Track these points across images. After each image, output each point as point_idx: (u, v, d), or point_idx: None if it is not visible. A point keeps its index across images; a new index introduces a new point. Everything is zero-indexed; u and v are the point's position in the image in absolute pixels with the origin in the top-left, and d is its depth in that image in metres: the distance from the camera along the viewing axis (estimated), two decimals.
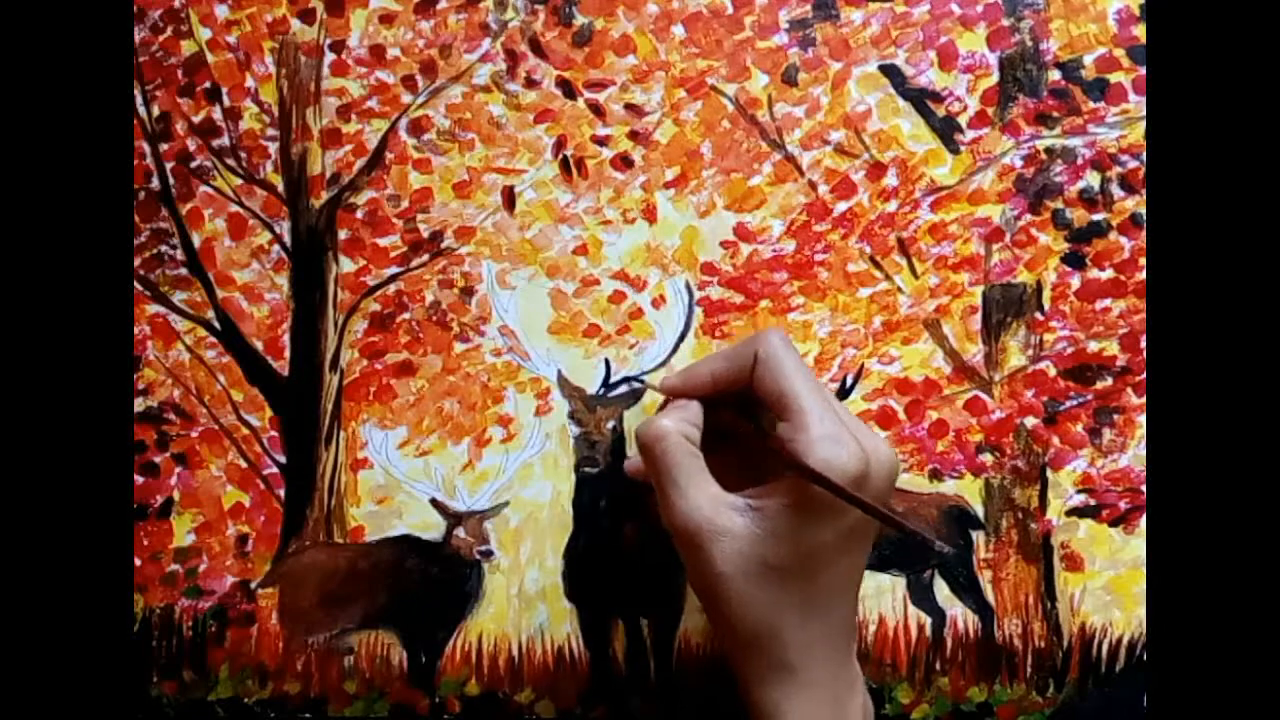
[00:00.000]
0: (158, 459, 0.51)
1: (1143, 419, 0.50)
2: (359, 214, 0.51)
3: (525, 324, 0.51)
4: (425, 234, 0.51)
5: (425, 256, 0.51)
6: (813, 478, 0.37)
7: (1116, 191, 0.51)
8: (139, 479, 0.51)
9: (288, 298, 0.51)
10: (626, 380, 0.50)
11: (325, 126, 0.51)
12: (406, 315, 0.51)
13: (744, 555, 0.38)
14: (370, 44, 0.51)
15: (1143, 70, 0.50)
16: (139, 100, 0.51)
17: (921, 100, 0.51)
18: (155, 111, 0.52)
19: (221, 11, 0.52)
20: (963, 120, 0.51)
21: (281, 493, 0.51)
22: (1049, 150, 0.51)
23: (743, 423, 0.41)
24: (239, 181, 0.52)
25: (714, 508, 0.39)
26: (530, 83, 0.51)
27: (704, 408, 0.42)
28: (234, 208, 0.51)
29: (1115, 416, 0.50)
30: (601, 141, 0.51)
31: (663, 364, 0.51)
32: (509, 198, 0.51)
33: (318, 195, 0.51)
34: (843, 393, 0.51)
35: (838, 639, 0.40)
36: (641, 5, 0.51)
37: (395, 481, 0.51)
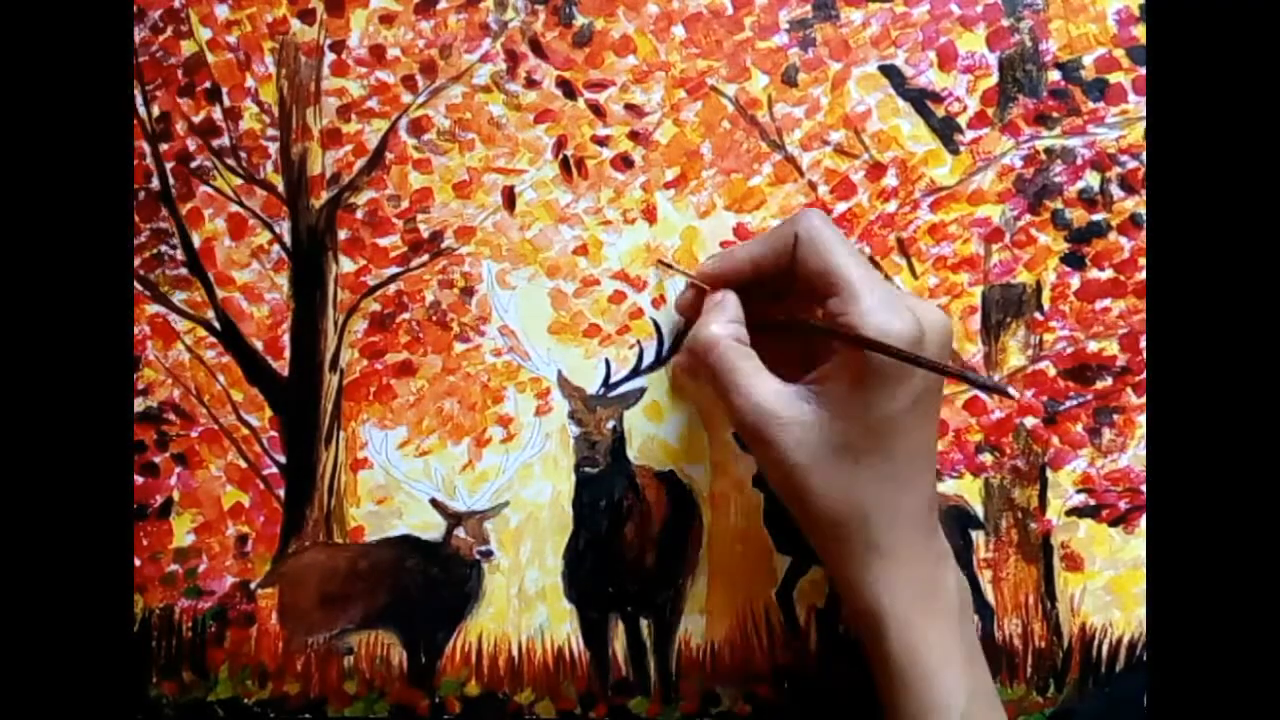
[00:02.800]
0: (158, 459, 0.51)
1: (1143, 419, 0.50)
2: (359, 214, 0.51)
3: (525, 324, 0.51)
4: (425, 234, 0.51)
5: (425, 256, 0.51)
6: (871, 345, 0.37)
7: (1116, 192, 0.51)
8: (139, 479, 0.51)
9: (288, 298, 0.51)
10: (661, 264, 0.50)
11: (325, 126, 0.51)
12: (406, 315, 0.51)
13: (815, 441, 0.38)
14: (370, 44, 0.51)
15: (1142, 70, 0.50)
16: (139, 100, 0.51)
17: (921, 100, 0.51)
18: (155, 111, 0.52)
19: (221, 11, 0.52)
20: (962, 120, 0.51)
21: (281, 493, 0.51)
22: (1049, 150, 0.51)
23: (786, 309, 0.41)
24: (239, 181, 0.52)
25: (777, 400, 0.39)
26: (530, 83, 0.51)
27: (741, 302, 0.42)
28: (234, 208, 0.51)
29: (1115, 416, 0.51)
30: (601, 142, 0.51)
31: (662, 364, 0.51)
32: (509, 198, 0.51)
33: (318, 195, 0.51)
34: None
35: (922, 512, 0.40)
36: (641, 5, 0.51)
37: (395, 481, 0.51)
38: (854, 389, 0.38)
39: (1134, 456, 0.50)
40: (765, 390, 0.39)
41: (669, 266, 0.50)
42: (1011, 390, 0.37)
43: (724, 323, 0.42)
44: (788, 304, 0.43)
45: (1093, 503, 0.50)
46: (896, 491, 0.39)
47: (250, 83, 0.52)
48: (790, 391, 0.39)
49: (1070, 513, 0.50)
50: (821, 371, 0.39)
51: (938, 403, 0.40)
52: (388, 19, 0.51)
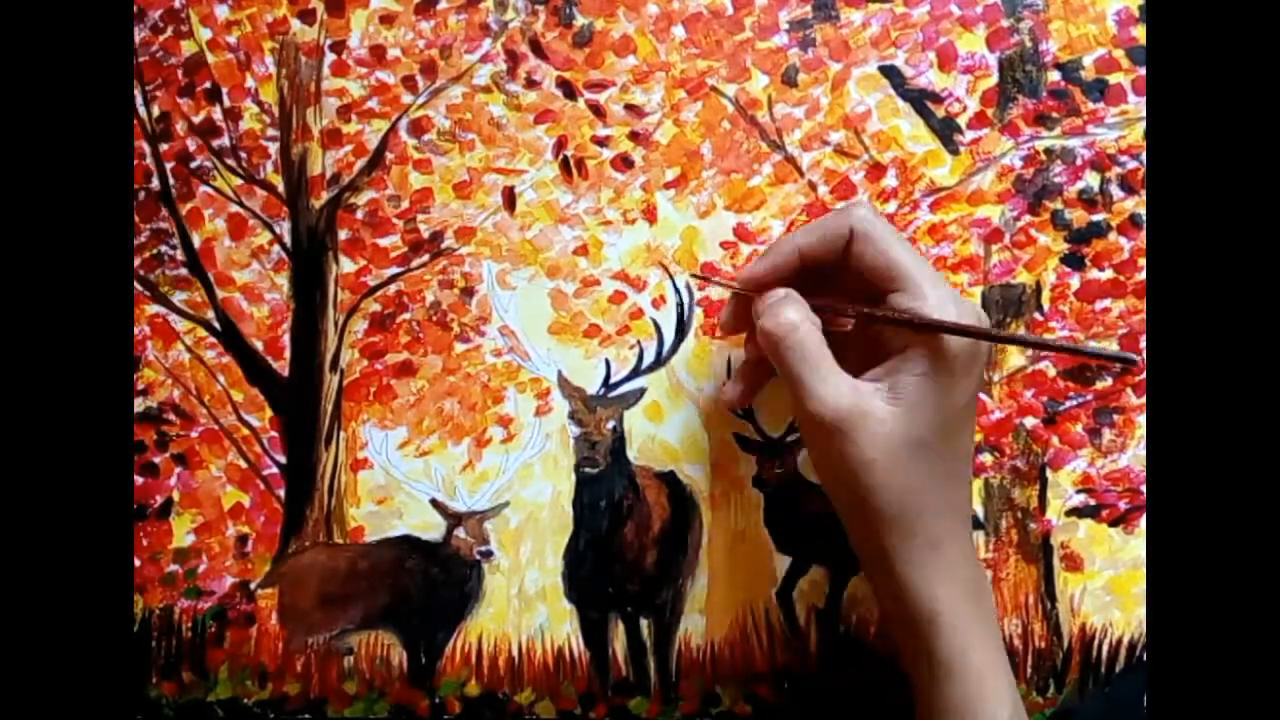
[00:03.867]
0: (158, 459, 0.51)
1: (1142, 419, 0.50)
2: (359, 214, 0.51)
3: (525, 324, 0.51)
4: (425, 234, 0.51)
5: (425, 257, 0.51)
6: (957, 330, 0.37)
7: (1116, 192, 0.51)
8: (139, 479, 0.51)
9: (288, 298, 0.51)
10: (696, 277, 0.50)
11: (325, 127, 0.51)
12: (407, 315, 0.51)
13: (890, 436, 0.38)
14: (370, 44, 0.51)
15: (1142, 71, 0.50)
16: (139, 100, 0.51)
17: (921, 101, 0.51)
18: (155, 111, 0.52)
19: (221, 11, 0.52)
20: (962, 121, 0.51)
21: (281, 493, 0.51)
22: (1048, 151, 0.51)
23: (852, 305, 0.41)
24: (239, 181, 0.52)
25: (855, 394, 0.39)
26: (530, 83, 0.51)
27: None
28: (234, 208, 0.51)
29: (1115, 416, 0.51)
30: (602, 142, 0.51)
31: (662, 364, 0.51)
32: (509, 198, 0.51)
33: (318, 195, 0.51)
34: None
35: (966, 508, 0.41)
36: (641, 5, 0.51)
37: (395, 482, 0.51)
38: (927, 382, 0.38)
39: (1134, 456, 0.50)
40: (845, 383, 0.39)
41: (706, 279, 0.49)
42: (1133, 356, 0.38)
43: (800, 308, 0.41)
44: (832, 295, 0.43)
45: (1092, 503, 0.50)
46: (955, 487, 0.40)
47: (250, 83, 0.52)
48: (866, 387, 0.39)
49: (1070, 513, 0.50)
50: (889, 366, 0.39)
51: (977, 401, 0.42)
52: (388, 19, 0.51)
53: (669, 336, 0.51)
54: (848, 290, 0.42)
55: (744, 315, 0.45)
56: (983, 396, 0.51)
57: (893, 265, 0.40)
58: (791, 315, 0.40)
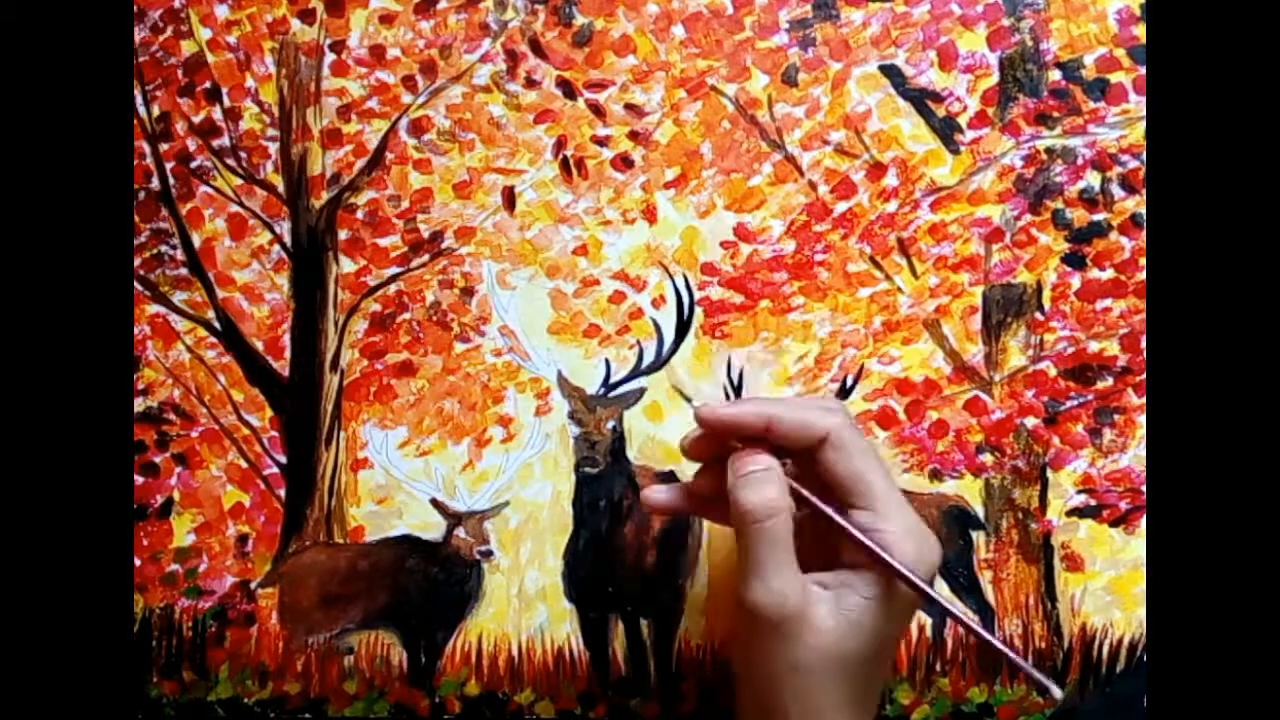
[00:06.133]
0: (158, 459, 0.51)
1: (1143, 419, 0.50)
2: (359, 214, 0.51)
3: (525, 324, 0.51)
4: (425, 234, 0.51)
5: (425, 256, 0.51)
6: (904, 579, 0.37)
7: (1117, 191, 0.51)
8: (139, 479, 0.51)
9: (288, 298, 0.51)
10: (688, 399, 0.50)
11: (325, 126, 0.51)
12: (407, 315, 0.51)
13: (824, 649, 0.37)
14: (370, 44, 0.51)
15: (1143, 70, 0.50)
16: (139, 100, 0.51)
17: (921, 100, 0.51)
18: (155, 111, 0.52)
19: (221, 11, 0.52)
20: (963, 120, 0.51)
21: (281, 493, 0.51)
22: (1049, 150, 0.51)
23: (825, 504, 0.40)
24: (239, 181, 0.52)
25: (802, 598, 0.37)
26: (530, 83, 0.51)
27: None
28: (234, 208, 0.51)
29: (1115, 417, 0.50)
30: (601, 142, 0.51)
31: (662, 364, 0.51)
32: (509, 198, 0.51)
33: (318, 195, 0.51)
34: (843, 393, 0.51)
35: None
36: (641, 5, 0.51)
37: (395, 481, 0.51)
38: (876, 607, 0.38)
39: (1134, 457, 0.50)
40: (794, 583, 0.38)
41: (687, 399, 0.50)
42: (1055, 691, 0.37)
43: (783, 492, 0.39)
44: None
45: (1093, 503, 0.50)
46: (865, 706, 0.39)
47: (250, 83, 0.52)
48: (814, 592, 0.38)
49: (1071, 513, 0.50)
50: (841, 577, 0.38)
51: None
52: (388, 19, 0.51)
53: (669, 336, 0.51)
54: (812, 483, 0.40)
55: (707, 448, 0.42)
56: (983, 396, 0.51)
57: (861, 482, 0.39)
58: (774, 498, 0.38)
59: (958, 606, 0.37)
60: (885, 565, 0.37)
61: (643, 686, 0.50)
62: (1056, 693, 0.37)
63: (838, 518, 0.39)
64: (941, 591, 0.50)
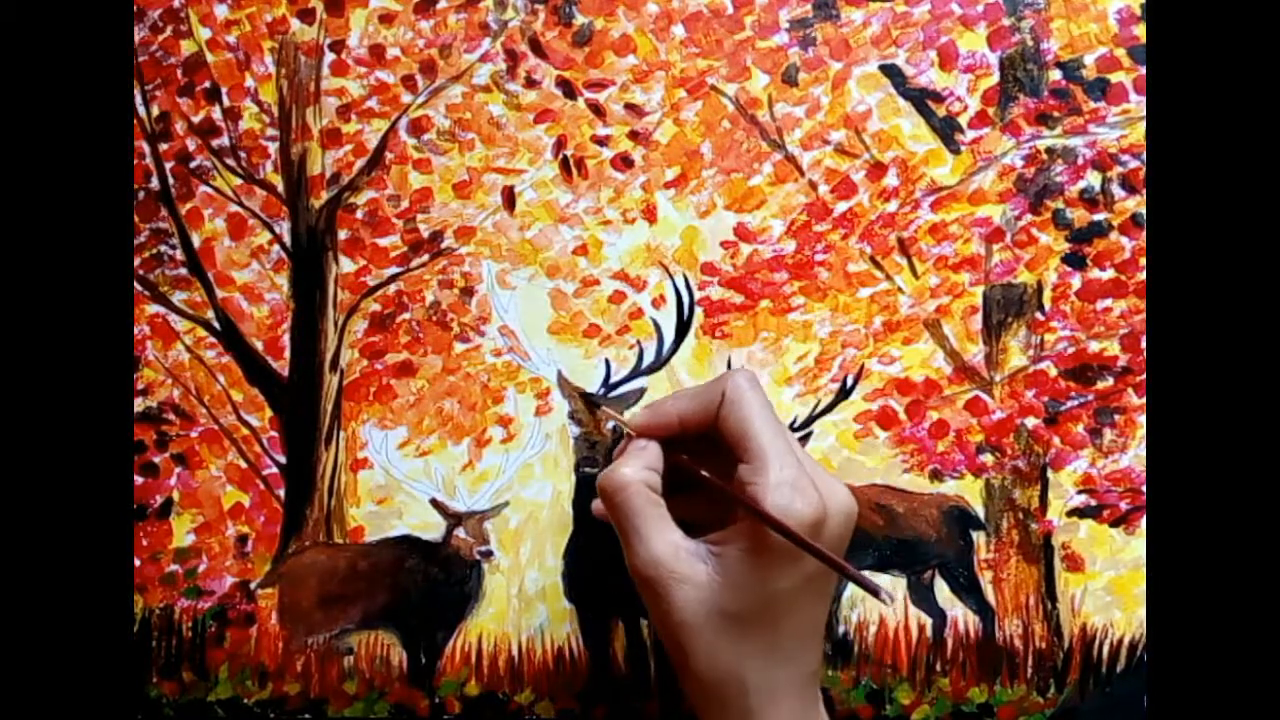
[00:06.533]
0: (158, 459, 0.51)
1: (1143, 419, 0.50)
2: (359, 214, 0.51)
3: (525, 324, 0.51)
4: (425, 234, 0.51)
5: (425, 256, 0.51)
6: (769, 523, 0.36)
7: (1117, 191, 0.51)
8: (139, 479, 0.51)
9: (288, 298, 0.51)
10: (600, 404, 0.50)
11: (325, 126, 0.51)
12: (406, 315, 0.51)
13: (704, 603, 0.38)
14: (370, 44, 0.51)
15: (1143, 70, 0.50)
16: (139, 100, 0.51)
17: (922, 100, 0.51)
18: (155, 111, 0.52)
19: (221, 11, 0.52)
20: (963, 120, 0.51)
21: (281, 493, 0.51)
22: (1049, 150, 0.51)
23: (698, 467, 0.40)
24: (239, 181, 0.52)
25: (674, 555, 0.38)
26: (530, 83, 0.51)
27: (667, 448, 0.41)
28: (234, 208, 0.51)
29: (1116, 417, 0.50)
30: (601, 141, 0.51)
31: (662, 364, 0.51)
32: (509, 198, 0.51)
33: (318, 195, 0.51)
34: (843, 393, 0.51)
35: (802, 688, 0.40)
36: (641, 5, 0.51)
37: (395, 481, 0.51)
38: (750, 559, 0.37)
39: (1135, 457, 0.50)
40: (664, 543, 0.38)
41: (609, 411, 0.49)
42: (885, 595, 0.37)
43: (638, 467, 0.40)
44: (713, 461, 0.41)
45: (1094, 503, 0.50)
46: (778, 665, 0.39)
47: (250, 83, 0.52)
48: (689, 548, 0.38)
49: (1071, 513, 0.50)
50: (722, 535, 0.38)
51: (830, 586, 0.40)
52: (388, 19, 0.51)
53: (669, 336, 0.51)
54: (724, 454, 0.40)
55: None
56: (983, 396, 0.51)
57: (746, 437, 0.38)
58: (626, 472, 0.40)
59: (834, 555, 0.36)
60: (755, 515, 0.37)
61: (643, 687, 0.50)
62: (886, 599, 0.37)
63: (702, 473, 0.40)
64: (942, 591, 0.50)
